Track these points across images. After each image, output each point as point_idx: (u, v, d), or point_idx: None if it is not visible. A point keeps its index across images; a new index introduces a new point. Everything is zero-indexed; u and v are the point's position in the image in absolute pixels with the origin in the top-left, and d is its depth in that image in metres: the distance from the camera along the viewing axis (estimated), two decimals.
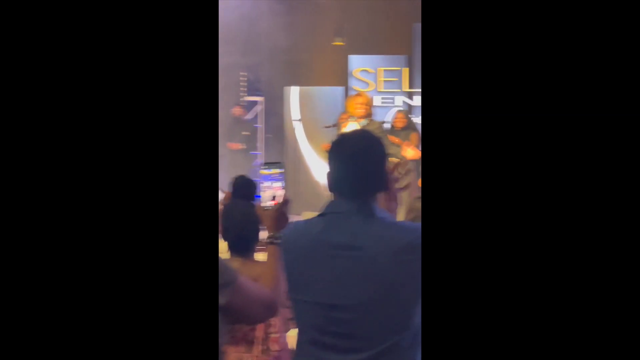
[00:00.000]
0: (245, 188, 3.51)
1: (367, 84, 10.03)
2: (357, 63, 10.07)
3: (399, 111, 8.10)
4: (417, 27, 9.89)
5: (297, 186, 9.17)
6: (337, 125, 7.95)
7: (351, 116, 6.51)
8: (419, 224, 1.79)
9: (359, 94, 6.83)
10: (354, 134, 1.95)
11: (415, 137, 7.51)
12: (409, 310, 1.77)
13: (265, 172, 2.06)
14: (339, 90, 10.05)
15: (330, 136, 7.82)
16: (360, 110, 6.45)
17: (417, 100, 9.95)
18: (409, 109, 9.83)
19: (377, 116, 7.58)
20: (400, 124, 7.69)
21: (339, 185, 1.87)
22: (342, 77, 10.09)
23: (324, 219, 1.86)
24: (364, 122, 6.41)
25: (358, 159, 1.85)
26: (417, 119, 9.78)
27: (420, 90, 9.93)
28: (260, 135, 9.79)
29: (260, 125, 9.85)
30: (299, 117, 9.85)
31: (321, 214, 1.88)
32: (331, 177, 1.89)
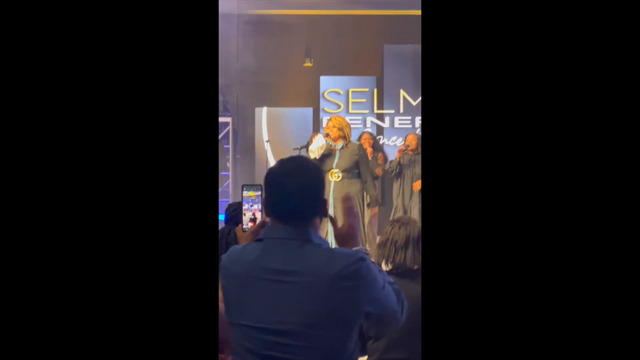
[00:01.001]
0: (237, 215, 3.65)
1: (337, 105, 10.12)
2: (328, 84, 10.15)
3: (365, 132, 8.34)
4: (388, 48, 10.05)
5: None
6: (307, 147, 8.17)
7: (326, 137, 6.58)
8: (358, 250, 1.89)
9: (332, 117, 6.88)
10: (290, 159, 1.98)
11: (381, 158, 7.78)
12: (345, 336, 1.82)
13: (245, 194, 2.22)
14: (308, 111, 10.14)
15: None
16: (332, 133, 6.55)
17: (387, 122, 10.13)
18: (379, 130, 10.01)
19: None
20: (365, 145, 7.93)
21: (275, 211, 1.91)
22: (313, 98, 10.17)
23: (261, 244, 1.90)
24: (340, 144, 6.53)
25: (293, 184, 1.89)
26: (385, 140, 10.04)
27: (390, 111, 10.07)
28: (229, 156, 9.97)
29: (228, 146, 10.03)
30: (267, 139, 10.04)
31: (258, 239, 1.92)
32: (267, 202, 1.93)
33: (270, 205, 1.93)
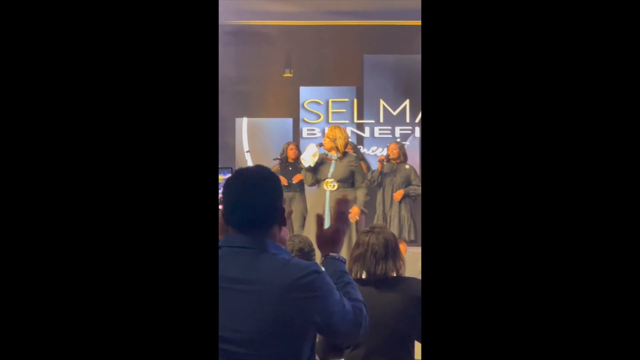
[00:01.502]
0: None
1: (317, 115, 10.14)
2: (308, 94, 10.17)
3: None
4: (368, 58, 10.07)
5: None
6: (284, 156, 8.27)
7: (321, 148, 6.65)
8: (312, 262, 1.90)
9: (330, 127, 6.92)
10: (249, 168, 1.99)
11: (364, 165, 7.92)
12: (297, 345, 1.84)
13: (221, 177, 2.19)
14: (288, 121, 10.15)
15: (282, 171, 8.13)
16: (325, 144, 6.63)
17: (367, 132, 10.13)
18: (359, 140, 10.02)
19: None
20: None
21: (232, 219, 1.92)
22: (293, 108, 10.18)
23: (219, 252, 1.90)
24: (335, 154, 6.58)
25: (250, 192, 1.90)
26: (365, 150, 9.99)
27: (370, 121, 10.09)
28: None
29: None
30: (248, 149, 10.02)
31: (219, 246, 1.92)
32: (225, 211, 1.93)
33: (227, 214, 1.93)
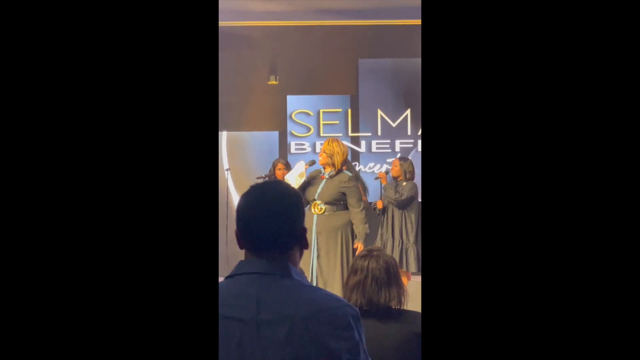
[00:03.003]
0: None
1: (307, 128, 10.15)
2: (296, 104, 10.19)
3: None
4: (364, 63, 10.13)
5: (229, 245, 9.15)
6: (271, 175, 8.03)
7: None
8: (342, 298, 1.89)
9: (327, 140, 6.74)
10: (264, 184, 2.01)
11: (360, 187, 7.66)
12: None
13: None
14: (273, 135, 10.15)
15: None
16: (321, 159, 6.47)
17: (363, 146, 10.11)
18: (354, 155, 9.94)
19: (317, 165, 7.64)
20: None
21: (248, 241, 1.92)
22: (279, 120, 10.21)
23: (232, 281, 1.90)
24: (329, 172, 6.42)
25: (268, 211, 1.90)
26: (361, 167, 9.96)
27: (367, 134, 10.10)
28: None
29: None
30: (228, 167, 9.92)
31: (229, 275, 1.92)
32: (239, 232, 1.92)
33: (242, 236, 1.92)
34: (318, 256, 6.31)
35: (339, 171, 6.46)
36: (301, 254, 1.98)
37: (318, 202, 6.35)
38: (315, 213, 6.37)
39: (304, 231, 1.95)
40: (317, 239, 6.31)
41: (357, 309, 1.89)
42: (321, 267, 6.29)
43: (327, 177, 6.42)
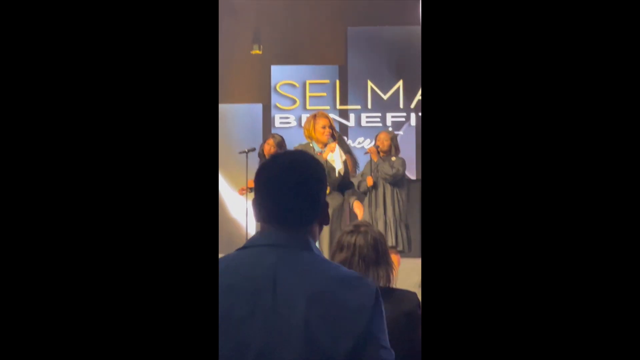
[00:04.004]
0: None
1: (292, 100, 10.17)
2: (281, 75, 10.21)
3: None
4: (352, 31, 10.15)
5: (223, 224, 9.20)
6: (253, 149, 7.99)
7: (314, 142, 6.39)
8: (359, 275, 1.88)
9: (319, 115, 6.64)
10: (287, 153, 2.00)
11: (349, 160, 7.64)
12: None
13: None
14: (257, 108, 10.18)
15: (250, 165, 7.88)
16: (326, 136, 6.37)
17: (352, 120, 10.12)
18: (342, 129, 9.97)
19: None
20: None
21: (265, 213, 1.91)
22: (263, 92, 10.22)
23: (246, 253, 1.89)
24: (330, 155, 6.36)
25: (289, 181, 1.90)
26: (350, 142, 9.95)
27: (356, 107, 10.12)
28: None
29: None
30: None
31: (242, 247, 1.91)
32: (257, 204, 1.92)
33: (261, 207, 1.91)
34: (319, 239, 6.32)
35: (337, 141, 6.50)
36: (320, 230, 1.98)
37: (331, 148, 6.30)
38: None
39: (325, 205, 1.94)
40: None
41: (377, 287, 1.88)
42: (322, 249, 6.29)
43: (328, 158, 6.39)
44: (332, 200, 6.29)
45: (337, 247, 3.08)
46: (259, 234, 1.94)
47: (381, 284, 2.97)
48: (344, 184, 6.47)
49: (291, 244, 1.88)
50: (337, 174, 6.30)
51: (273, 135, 8.20)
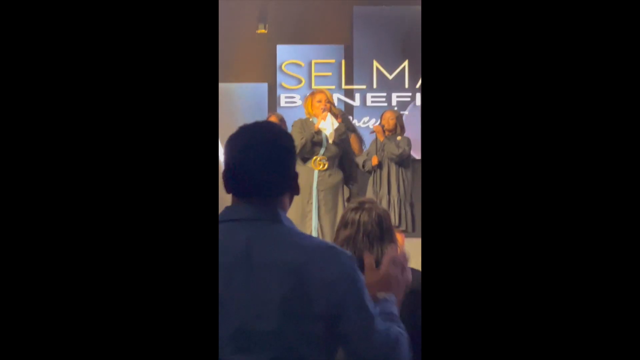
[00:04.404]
0: None
1: (298, 80, 10.17)
2: (286, 55, 10.20)
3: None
4: (359, 10, 10.12)
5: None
6: None
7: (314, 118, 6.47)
8: (332, 244, 1.92)
9: (317, 91, 6.84)
10: (254, 125, 1.99)
11: (354, 139, 7.68)
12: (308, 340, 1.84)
13: None
14: (262, 87, 10.16)
15: None
16: (320, 109, 6.45)
17: (358, 99, 10.13)
18: (347, 109, 9.97)
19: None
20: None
21: (234, 185, 1.92)
22: (268, 72, 10.21)
23: (220, 228, 1.90)
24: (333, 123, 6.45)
25: (257, 153, 1.89)
26: (355, 121, 9.97)
27: (362, 87, 10.13)
28: None
29: None
30: None
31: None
32: (226, 175, 1.92)
33: (230, 180, 1.92)
34: (319, 215, 6.33)
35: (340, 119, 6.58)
36: (291, 200, 1.99)
37: (319, 157, 6.35)
38: (317, 169, 6.39)
39: (295, 176, 1.95)
40: (317, 196, 6.34)
41: (352, 254, 1.91)
42: (322, 226, 6.32)
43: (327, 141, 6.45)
44: (331, 178, 6.35)
45: (342, 223, 3.04)
46: (229, 208, 1.95)
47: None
48: (347, 162, 6.50)
49: (261, 217, 1.89)
50: (331, 142, 6.35)
51: (273, 113, 8.25)
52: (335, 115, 6.48)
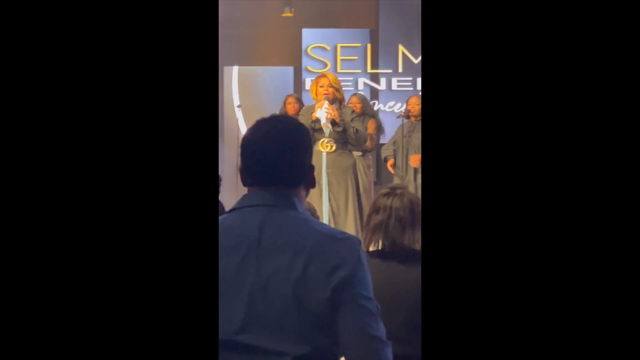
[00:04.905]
0: None
1: (323, 63, 10.14)
2: (312, 39, 10.18)
3: (354, 95, 8.23)
4: None
5: (239, 190, 9.26)
6: (283, 112, 8.05)
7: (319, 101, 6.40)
8: (343, 231, 1.95)
9: (321, 75, 6.75)
10: (271, 118, 2.04)
11: (373, 124, 7.73)
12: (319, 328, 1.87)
13: None
14: (288, 70, 10.15)
15: None
16: (329, 95, 6.37)
17: (383, 84, 10.10)
18: (373, 93, 9.99)
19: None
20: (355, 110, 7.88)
21: (252, 176, 1.97)
22: (294, 55, 10.19)
23: (235, 214, 1.96)
24: (328, 130, 6.38)
25: (275, 146, 1.94)
26: (381, 105, 9.96)
27: (387, 71, 10.08)
28: None
29: None
30: (239, 104, 9.94)
31: (232, 209, 1.98)
32: (243, 168, 1.98)
33: (247, 171, 1.97)
34: (330, 197, 6.36)
35: (343, 107, 6.50)
36: (307, 192, 2.03)
37: (327, 140, 6.37)
38: (325, 151, 6.37)
39: (311, 168, 2.01)
40: (327, 178, 6.33)
41: (360, 241, 1.94)
42: (333, 208, 6.33)
43: (329, 130, 6.38)
44: (341, 158, 6.38)
45: (373, 209, 3.05)
46: (246, 196, 1.99)
47: (416, 247, 2.96)
48: (357, 142, 6.48)
49: (277, 204, 1.93)
50: (326, 132, 6.34)
51: (290, 95, 8.27)
52: (336, 102, 6.41)
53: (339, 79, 6.83)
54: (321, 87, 6.38)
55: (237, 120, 9.89)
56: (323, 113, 6.30)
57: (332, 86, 6.39)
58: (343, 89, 6.65)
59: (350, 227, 6.18)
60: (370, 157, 7.69)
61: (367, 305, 1.88)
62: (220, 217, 1.98)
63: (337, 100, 6.41)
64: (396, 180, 7.65)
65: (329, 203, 6.35)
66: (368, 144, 7.15)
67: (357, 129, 6.39)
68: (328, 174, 6.34)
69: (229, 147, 9.49)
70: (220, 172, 3.95)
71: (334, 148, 6.37)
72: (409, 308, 2.90)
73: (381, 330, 1.89)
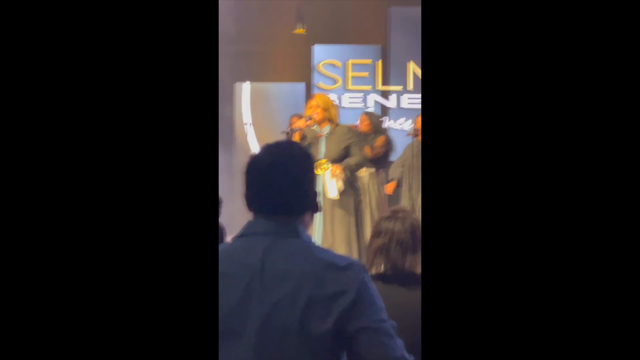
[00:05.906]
0: None
1: (333, 80, 10.16)
2: (323, 55, 10.20)
3: (365, 113, 8.28)
4: (394, 11, 10.06)
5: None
6: (292, 131, 8.05)
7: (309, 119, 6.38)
8: (354, 260, 1.94)
9: (313, 96, 6.74)
10: (276, 145, 2.05)
11: (382, 140, 7.77)
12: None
13: None
14: (299, 87, 10.17)
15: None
16: (316, 115, 6.35)
17: (392, 101, 10.13)
18: (383, 110, 10.01)
19: (345, 119, 7.60)
20: (365, 128, 7.90)
21: (257, 203, 1.99)
22: (305, 71, 10.21)
23: (241, 241, 1.98)
24: (326, 128, 6.38)
25: (280, 173, 1.96)
26: (392, 122, 9.95)
27: (397, 88, 10.09)
28: None
29: None
30: (251, 121, 9.99)
31: (239, 235, 2.00)
32: (248, 194, 1.99)
33: (252, 198, 1.99)
34: (324, 219, 6.29)
35: (335, 126, 6.40)
36: (312, 218, 2.05)
37: (324, 161, 6.26)
38: (322, 173, 6.24)
39: (315, 195, 2.02)
40: (323, 201, 6.23)
41: (364, 266, 1.94)
42: (326, 231, 6.25)
43: (325, 134, 6.36)
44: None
45: (375, 232, 3.02)
46: (251, 223, 1.99)
47: (418, 271, 2.92)
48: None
49: (280, 232, 1.94)
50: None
51: (295, 114, 8.30)
52: (325, 121, 6.35)
53: (331, 98, 6.77)
54: (310, 107, 6.40)
55: (246, 137, 9.93)
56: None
57: (319, 106, 6.35)
58: (352, 105, 6.65)
59: (343, 249, 6.08)
60: (384, 174, 7.77)
61: (383, 327, 1.88)
62: (224, 244, 2.00)
63: (326, 119, 6.36)
64: (404, 202, 7.65)
65: (322, 225, 6.32)
66: (367, 151, 7.15)
67: (357, 164, 6.42)
68: (324, 195, 6.22)
69: (238, 166, 9.53)
70: (233, 189, 3.97)
71: (330, 168, 6.29)
72: (409, 331, 2.87)
73: (400, 347, 1.90)
